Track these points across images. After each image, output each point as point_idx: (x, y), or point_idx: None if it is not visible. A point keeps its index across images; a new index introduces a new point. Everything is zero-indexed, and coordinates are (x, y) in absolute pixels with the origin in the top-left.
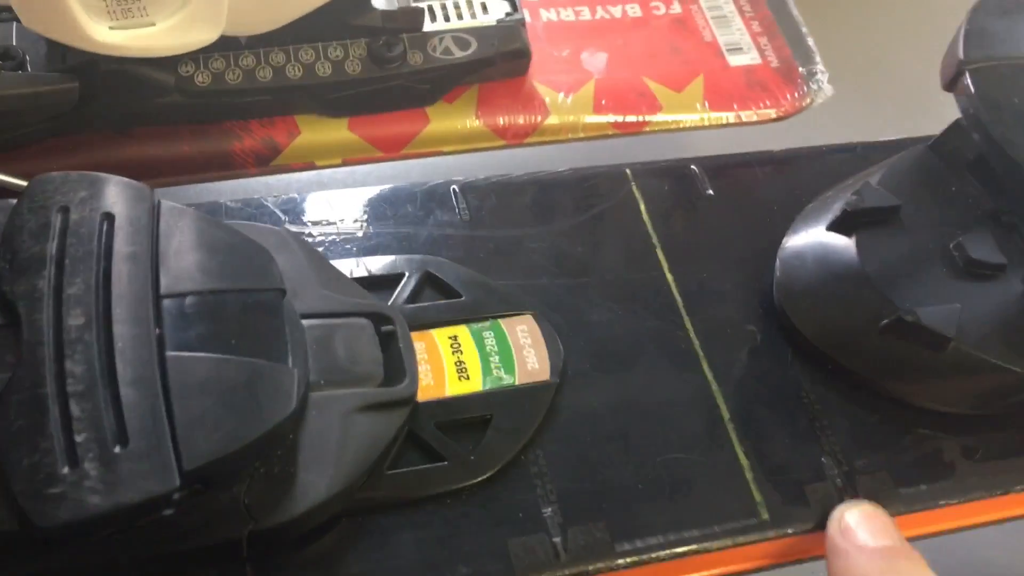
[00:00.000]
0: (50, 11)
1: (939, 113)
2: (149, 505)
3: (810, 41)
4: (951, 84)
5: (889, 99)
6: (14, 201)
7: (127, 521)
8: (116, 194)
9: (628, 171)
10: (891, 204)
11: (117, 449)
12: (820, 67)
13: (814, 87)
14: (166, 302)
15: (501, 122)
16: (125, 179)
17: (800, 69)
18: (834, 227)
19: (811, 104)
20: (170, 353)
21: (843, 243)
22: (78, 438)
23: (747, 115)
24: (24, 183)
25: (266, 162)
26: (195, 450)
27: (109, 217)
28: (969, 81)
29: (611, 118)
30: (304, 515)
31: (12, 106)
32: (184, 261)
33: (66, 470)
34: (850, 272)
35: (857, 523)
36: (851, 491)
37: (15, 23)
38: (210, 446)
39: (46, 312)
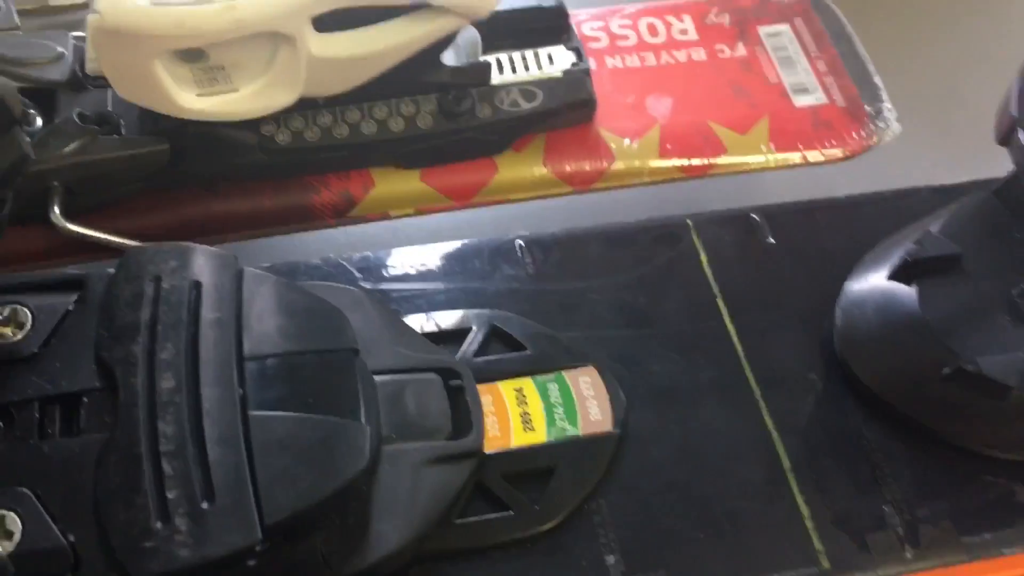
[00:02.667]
0: (142, 82)
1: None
2: (234, 558)
3: (877, 79)
4: (1005, 140)
5: (959, 136)
6: (111, 271)
7: (213, 572)
8: (203, 263)
9: (689, 221)
10: (952, 253)
11: (205, 505)
12: (887, 105)
13: (882, 125)
14: (249, 364)
15: (568, 169)
16: (212, 249)
17: (867, 108)
18: (895, 276)
19: (879, 142)
20: (252, 413)
21: (904, 292)
22: (170, 495)
23: (813, 156)
24: (127, 242)
25: (343, 214)
26: (275, 505)
27: (197, 285)
28: (1022, 137)
29: (676, 162)
30: (378, 564)
31: (109, 168)
32: (265, 325)
33: (159, 525)
34: (911, 321)
35: None
36: (913, 540)
37: (109, 90)
38: (289, 501)
39: (141, 376)
